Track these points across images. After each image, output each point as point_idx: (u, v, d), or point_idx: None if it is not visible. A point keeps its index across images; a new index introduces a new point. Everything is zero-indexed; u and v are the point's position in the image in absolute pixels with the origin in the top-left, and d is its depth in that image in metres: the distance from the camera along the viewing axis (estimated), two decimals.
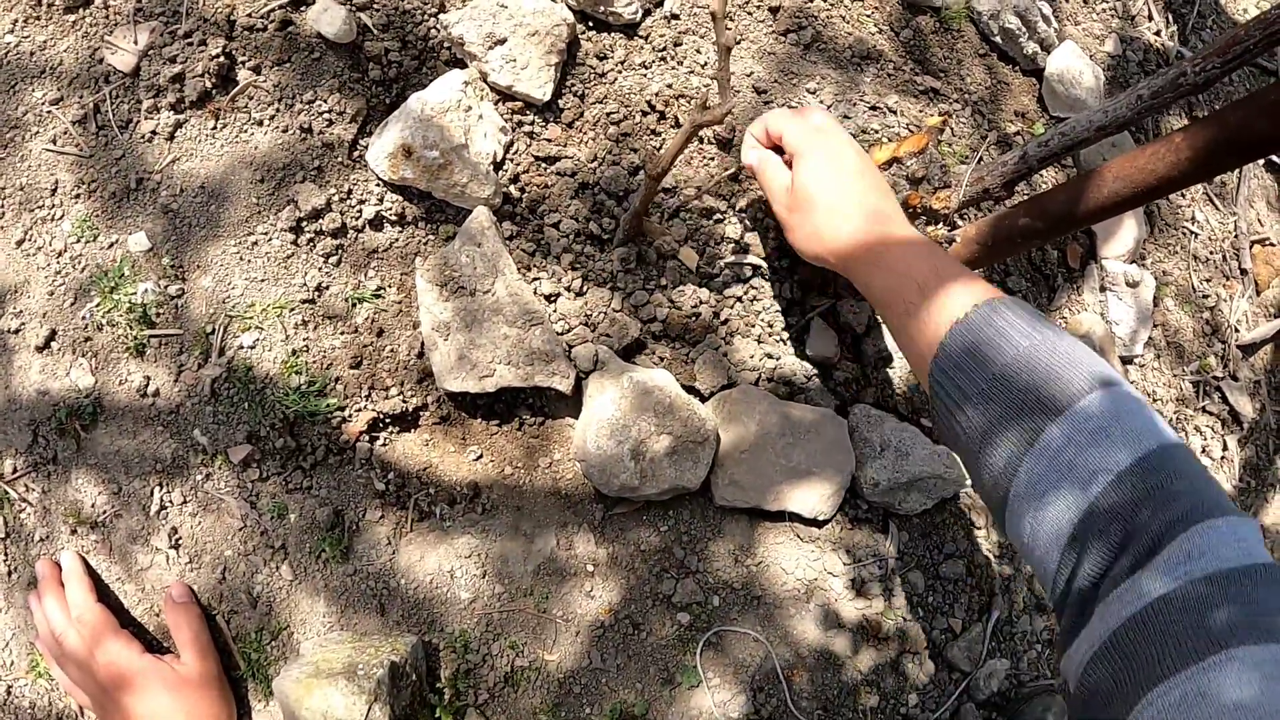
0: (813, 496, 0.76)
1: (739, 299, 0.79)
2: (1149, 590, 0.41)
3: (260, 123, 0.77)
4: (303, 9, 0.78)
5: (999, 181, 0.79)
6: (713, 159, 0.81)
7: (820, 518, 0.77)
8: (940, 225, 0.81)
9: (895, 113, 0.86)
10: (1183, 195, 1.01)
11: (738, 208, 0.80)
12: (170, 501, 0.75)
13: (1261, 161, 1.08)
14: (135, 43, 0.81)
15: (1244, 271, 1.02)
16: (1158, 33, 1.01)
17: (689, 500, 0.76)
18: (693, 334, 0.78)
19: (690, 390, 0.77)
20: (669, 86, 0.82)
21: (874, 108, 0.85)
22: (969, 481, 0.82)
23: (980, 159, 0.83)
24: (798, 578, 0.78)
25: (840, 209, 0.65)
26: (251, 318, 0.74)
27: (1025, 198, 0.78)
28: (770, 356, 0.79)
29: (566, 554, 0.74)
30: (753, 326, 0.79)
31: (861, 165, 0.67)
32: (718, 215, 0.80)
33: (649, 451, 0.71)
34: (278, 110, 0.77)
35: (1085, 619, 0.45)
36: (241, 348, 0.74)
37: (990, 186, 0.79)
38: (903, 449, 0.79)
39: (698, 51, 0.84)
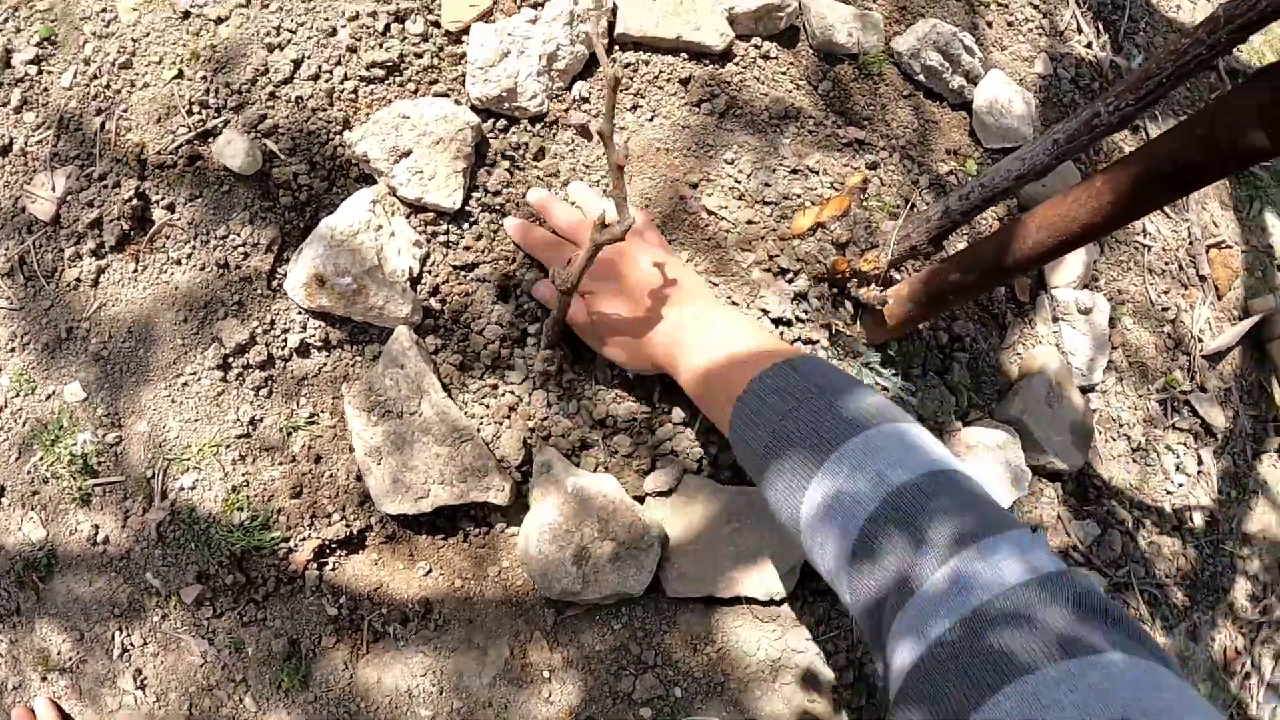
0: (766, 578, 0.76)
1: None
2: (934, 630, 0.42)
3: (179, 261, 0.77)
4: (210, 141, 0.79)
5: (925, 238, 0.77)
6: None
7: (778, 597, 0.77)
8: (873, 285, 0.80)
9: (818, 172, 0.85)
10: None
11: None
12: (132, 644, 0.76)
13: None
14: (53, 189, 0.82)
15: (1202, 278, 0.99)
16: (1089, 45, 0.98)
17: (641, 595, 0.76)
18: (639, 425, 0.78)
19: (639, 495, 0.76)
20: (577, 173, 0.81)
21: (795, 170, 0.84)
22: None
23: (910, 211, 0.81)
24: (760, 659, 0.77)
25: (637, 327, 0.70)
26: (189, 459, 0.75)
27: (956, 252, 0.76)
28: (712, 442, 0.78)
29: (521, 662, 0.74)
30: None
31: (639, 283, 0.69)
32: None
33: (591, 557, 0.71)
34: (194, 248, 0.77)
35: (879, 638, 0.48)
36: (182, 489, 0.75)
37: (917, 243, 0.78)
38: None
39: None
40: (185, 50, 0.82)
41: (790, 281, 0.80)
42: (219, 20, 0.83)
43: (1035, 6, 0.98)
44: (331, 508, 0.75)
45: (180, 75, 0.82)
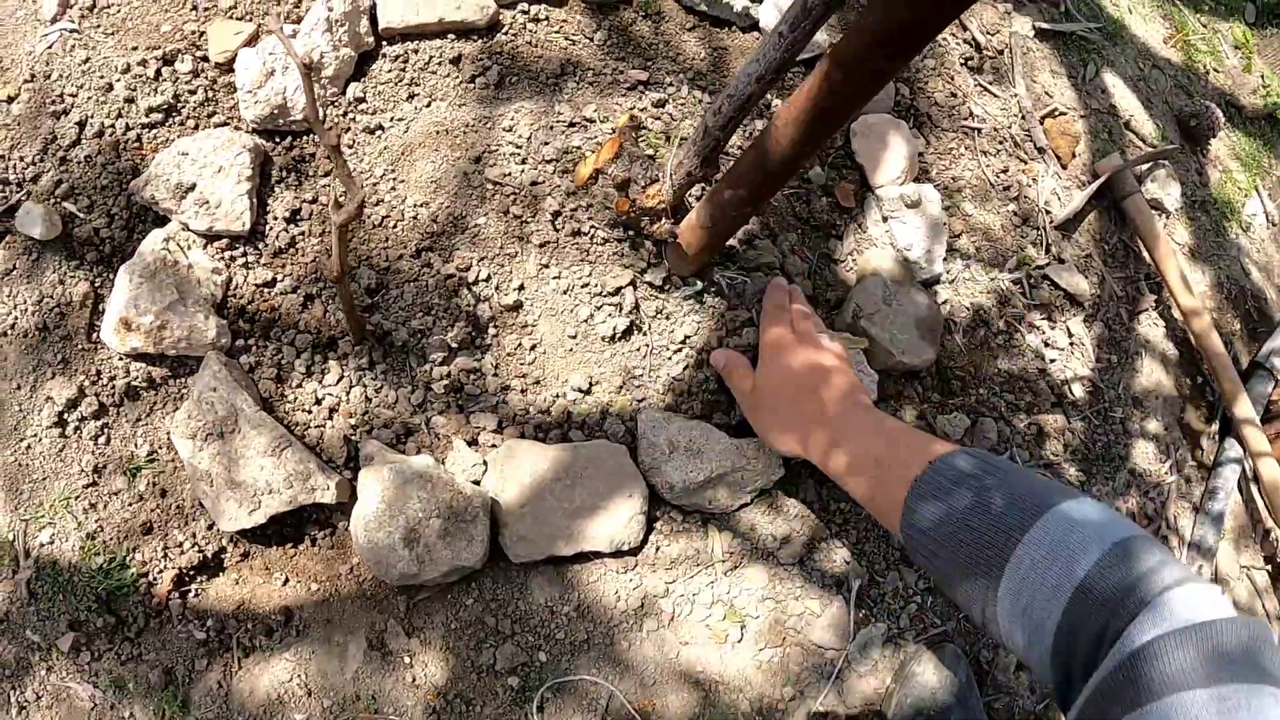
0: (607, 527, 0.76)
1: (488, 355, 0.79)
2: (1124, 649, 0.44)
3: (4, 333, 0.81)
4: (14, 216, 0.82)
5: (696, 162, 0.77)
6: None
7: (626, 546, 0.77)
8: (663, 220, 0.79)
9: (597, 120, 0.85)
10: (952, 93, 0.96)
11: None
12: (26, 700, 0.80)
13: (1030, 31, 1.01)
14: None
15: (1040, 150, 0.96)
16: None
17: (487, 567, 0.77)
18: (462, 398, 0.79)
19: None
20: (361, 172, 0.83)
21: (572, 124, 0.84)
22: (780, 470, 0.80)
23: (678, 143, 0.81)
24: (622, 609, 0.78)
25: (795, 412, 0.71)
26: (44, 515, 0.78)
27: (725, 170, 0.76)
28: (538, 409, 0.78)
29: (380, 651, 0.76)
30: (520, 378, 0.80)
31: (808, 373, 0.72)
32: (445, 288, 0.80)
33: (421, 536, 0.72)
34: (15, 317, 0.81)
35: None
36: (43, 545, 0.78)
37: (691, 169, 0.77)
38: (694, 448, 0.78)
39: (386, 126, 0.84)
40: None
41: (581, 234, 0.80)
42: (10, 100, 0.86)
43: None
44: (182, 536, 0.78)
45: None
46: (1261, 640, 0.42)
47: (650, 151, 0.82)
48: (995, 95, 0.97)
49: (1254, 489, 1.03)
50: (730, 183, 0.73)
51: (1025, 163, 0.96)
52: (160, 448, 0.80)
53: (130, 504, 0.78)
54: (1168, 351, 1.00)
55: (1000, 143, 0.96)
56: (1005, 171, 0.95)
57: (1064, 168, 0.97)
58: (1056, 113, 0.97)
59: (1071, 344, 0.92)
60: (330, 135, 0.62)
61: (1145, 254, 0.99)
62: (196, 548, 0.78)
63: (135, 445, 0.79)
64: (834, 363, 0.73)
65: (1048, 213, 0.94)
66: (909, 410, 0.87)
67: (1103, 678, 0.44)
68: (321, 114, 0.84)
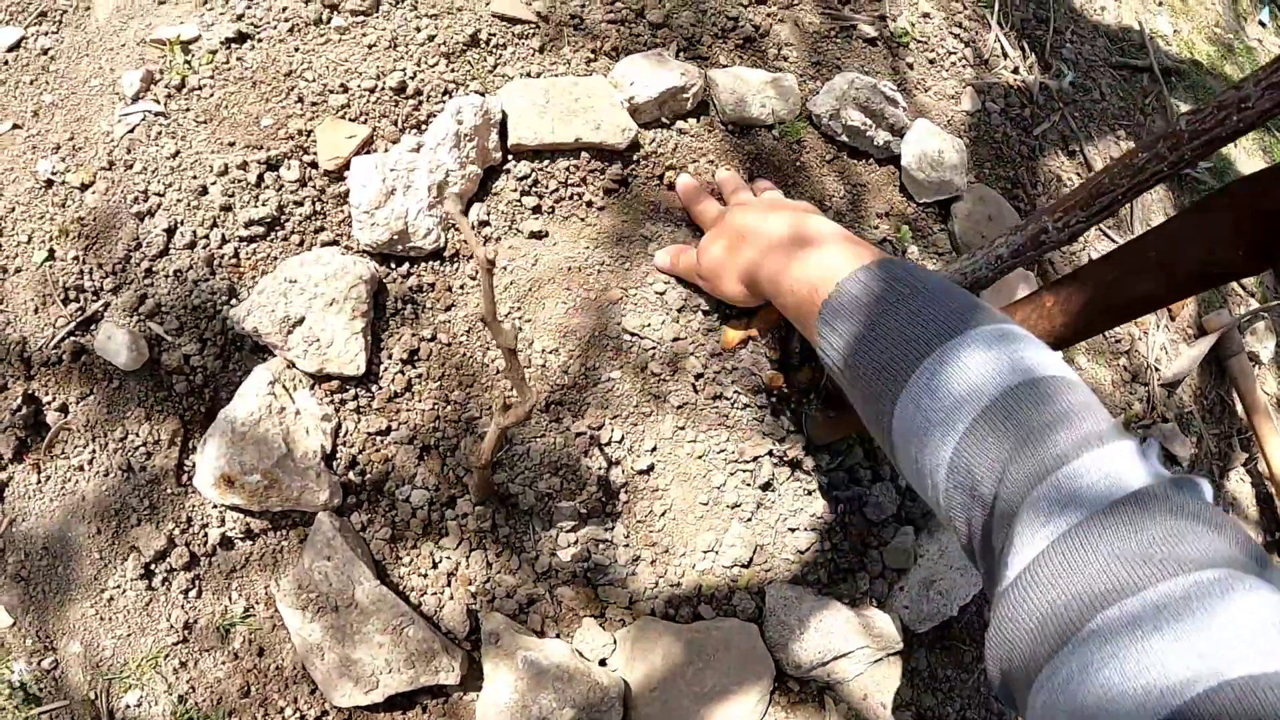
0: (735, 714, 0.74)
1: (620, 524, 0.75)
2: (1024, 554, 0.38)
3: (81, 468, 0.73)
4: (93, 329, 0.73)
5: None
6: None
7: None
8: (811, 396, 0.76)
9: None
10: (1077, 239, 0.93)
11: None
12: None
13: None
14: None
15: None
16: (1015, 70, 0.91)
17: None
18: (590, 568, 0.75)
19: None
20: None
21: None
22: (898, 643, 0.79)
23: None
24: None
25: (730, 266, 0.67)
26: (129, 675, 0.72)
27: None
28: (669, 582, 0.75)
29: None
30: (650, 547, 0.76)
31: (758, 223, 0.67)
32: (572, 450, 0.76)
33: None
34: (94, 452, 0.73)
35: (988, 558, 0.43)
36: (128, 707, 0.72)
37: None
38: (823, 628, 0.76)
39: (511, 259, 0.78)
40: (54, 226, 0.76)
41: (721, 399, 0.76)
42: (84, 187, 0.77)
43: (956, 36, 0.91)
44: (283, 701, 0.73)
45: (51, 255, 0.76)
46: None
47: None
48: (1113, 240, 0.95)
49: None
50: None
51: None
52: (257, 603, 0.74)
53: (225, 663, 0.73)
54: (1251, 510, 1.02)
55: None
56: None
57: (1173, 319, 0.96)
58: None
59: None
60: (509, 337, 0.57)
61: (1241, 412, 1.00)
62: (299, 714, 0.73)
63: (229, 600, 0.73)
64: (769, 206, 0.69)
65: (1157, 369, 0.93)
66: None
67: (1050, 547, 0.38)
68: (444, 240, 0.76)
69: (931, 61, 0.91)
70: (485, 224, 0.78)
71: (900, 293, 0.51)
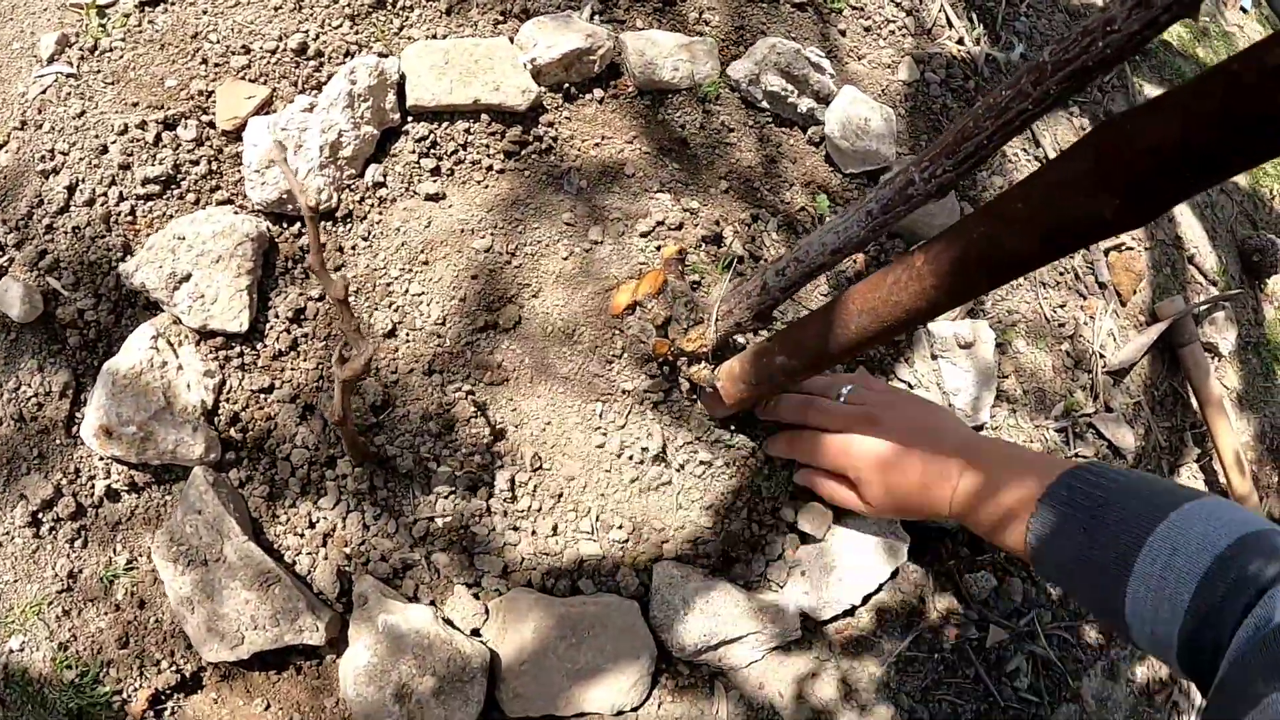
0: (611, 692, 0.71)
1: (506, 493, 0.74)
2: (1265, 620, 0.45)
3: None
4: None
5: (748, 315, 0.69)
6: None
7: (628, 708, 0.73)
8: (702, 364, 0.73)
9: (647, 233, 0.77)
10: None
11: None
12: None
13: None
14: None
15: (1102, 285, 0.88)
16: (960, 41, 0.86)
17: (480, 716, 0.73)
18: (466, 540, 0.73)
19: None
20: (376, 270, 0.76)
21: (619, 235, 0.76)
22: (797, 631, 0.75)
23: (732, 281, 0.74)
24: None
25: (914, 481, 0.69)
26: (13, 620, 0.74)
27: (779, 332, 0.69)
28: (547, 553, 0.73)
29: None
30: (528, 520, 0.74)
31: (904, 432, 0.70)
32: (454, 413, 0.74)
33: (413, 694, 0.68)
34: None
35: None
36: (12, 652, 0.73)
37: (741, 320, 0.70)
38: (710, 610, 0.73)
39: (405, 220, 0.77)
40: None
41: (612, 366, 0.74)
42: None
43: (897, 4, 0.87)
44: (160, 654, 0.73)
45: None
46: None
47: (695, 278, 0.75)
48: None
49: None
50: (784, 349, 0.67)
51: (1084, 298, 0.88)
52: (140, 556, 0.74)
53: (106, 614, 0.74)
54: None
55: (1061, 274, 0.88)
56: (1063, 307, 0.88)
57: (1123, 304, 0.90)
58: (1123, 247, 0.89)
59: None
60: (337, 287, 0.56)
61: (1195, 404, 0.92)
62: (174, 667, 0.73)
63: (114, 552, 0.74)
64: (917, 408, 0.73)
65: (1101, 356, 0.87)
66: (934, 567, 0.82)
67: (1242, 651, 0.45)
68: (336, 199, 0.76)
69: (867, 30, 0.87)
70: (381, 185, 0.78)
71: (1098, 498, 0.57)
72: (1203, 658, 0.49)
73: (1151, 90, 1.02)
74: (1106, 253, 0.89)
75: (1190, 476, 0.93)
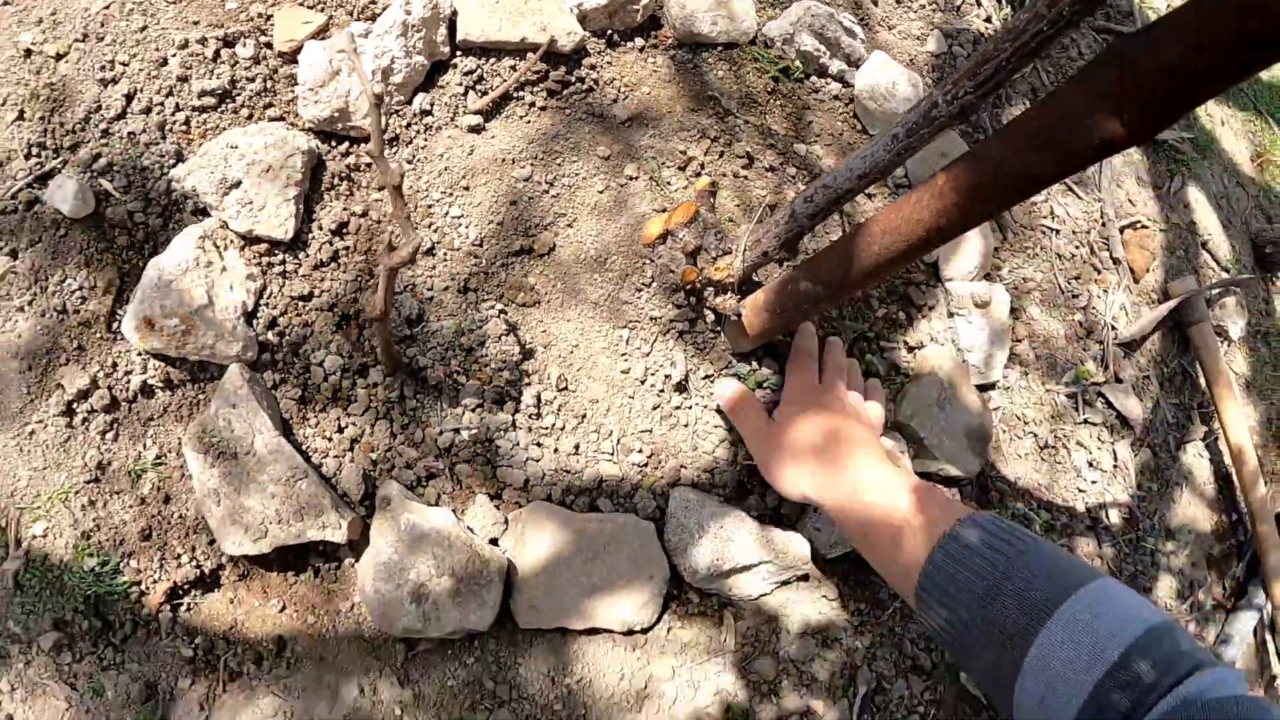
0: (623, 609, 0.73)
1: (532, 410, 0.76)
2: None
3: (21, 309, 0.76)
4: (48, 184, 0.78)
5: (775, 244, 0.73)
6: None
7: (638, 627, 0.74)
8: (729, 294, 0.75)
9: (682, 169, 0.80)
10: None
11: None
12: (1, 690, 0.77)
13: None
14: None
15: (1116, 261, 0.92)
16: (988, 19, 0.91)
17: (492, 628, 0.74)
18: (490, 452, 0.75)
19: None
20: (418, 192, 0.78)
21: (651, 175, 0.79)
22: (806, 564, 0.77)
23: (763, 214, 0.77)
24: (624, 689, 0.75)
25: (811, 457, 0.69)
26: (39, 507, 0.75)
27: (803, 260, 0.72)
28: (569, 470, 0.75)
29: (372, 700, 0.73)
30: (552, 436, 0.76)
31: (829, 421, 0.70)
32: (485, 330, 0.77)
33: (430, 594, 0.69)
34: (35, 294, 0.76)
35: None
36: (35, 538, 0.75)
37: (769, 249, 0.73)
38: (724, 535, 0.75)
39: (449, 148, 0.80)
40: (27, 90, 0.81)
41: (641, 294, 0.76)
42: (59, 57, 0.81)
43: None
44: (181, 549, 0.75)
45: (21, 116, 0.80)
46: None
47: (726, 217, 0.78)
48: (1079, 196, 0.93)
49: (1269, 637, 1.01)
50: (808, 275, 0.70)
51: (1099, 272, 0.92)
52: (169, 452, 0.76)
53: (131, 506, 0.75)
54: (1207, 487, 0.97)
55: (1076, 247, 0.92)
56: (1077, 278, 0.91)
57: (1136, 282, 0.93)
58: (1138, 225, 0.93)
59: (1115, 467, 0.89)
60: (394, 174, 0.58)
61: (1203, 383, 0.95)
62: (195, 563, 0.74)
63: (143, 446, 0.76)
64: (856, 415, 0.73)
65: (1113, 328, 0.90)
66: None
67: None
68: (385, 123, 0.79)
69: (898, 1, 0.91)
70: (428, 113, 0.81)
71: (1006, 554, 0.55)
72: None
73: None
74: (1122, 230, 0.93)
75: (1196, 454, 0.96)
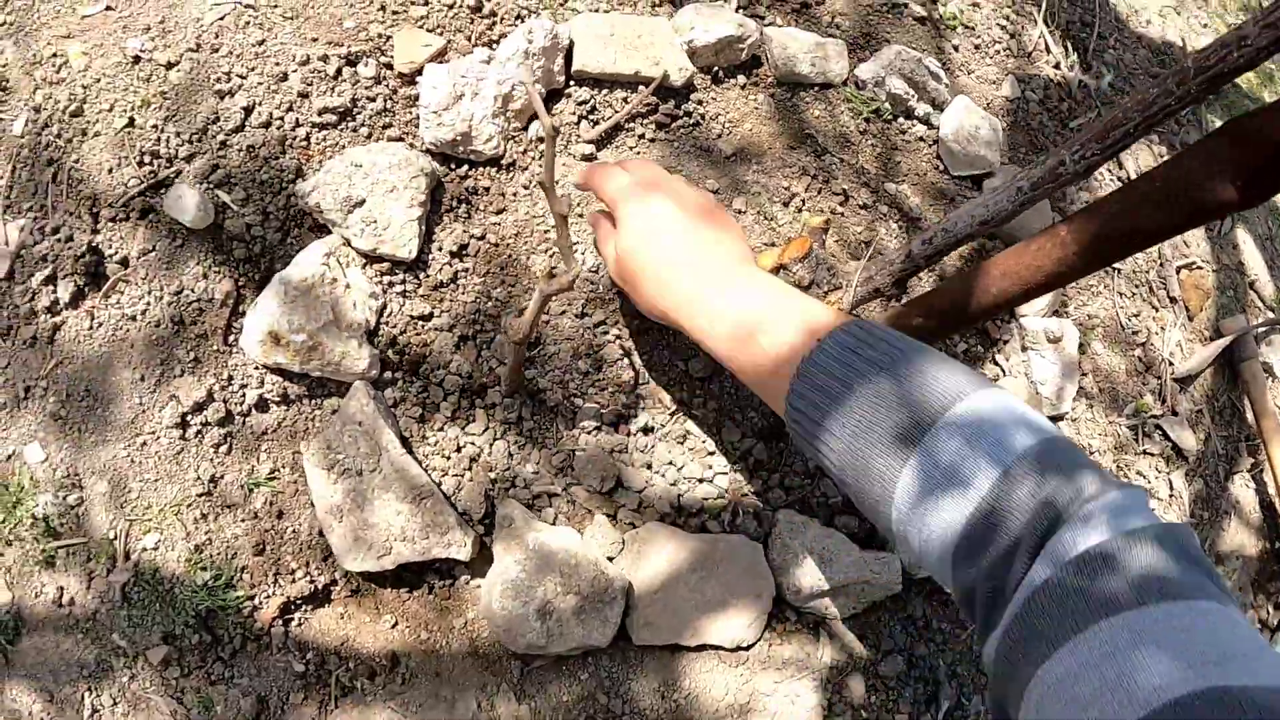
0: (732, 626, 0.76)
1: (642, 432, 0.78)
2: (1037, 578, 0.42)
3: (134, 317, 0.76)
4: (162, 192, 0.78)
5: (888, 280, 0.76)
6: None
7: (745, 644, 0.77)
8: None
9: (785, 205, 0.84)
10: None
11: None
12: (101, 705, 0.76)
13: None
14: (6, 243, 0.81)
15: (1173, 299, 0.98)
16: (1056, 65, 0.97)
17: (611, 642, 0.76)
18: (606, 473, 0.77)
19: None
20: (535, 217, 0.80)
21: (758, 209, 0.83)
22: (898, 585, 0.81)
23: (872, 252, 0.81)
24: (729, 703, 0.77)
25: (666, 272, 0.62)
26: (150, 519, 0.75)
27: (919, 296, 0.75)
28: (680, 493, 0.77)
29: (489, 715, 0.74)
30: (661, 459, 0.78)
31: (681, 217, 0.63)
32: (602, 354, 0.79)
33: (555, 611, 0.71)
34: (149, 303, 0.76)
35: (994, 619, 0.45)
36: (145, 550, 0.74)
37: (880, 285, 0.77)
38: (826, 556, 0.78)
39: (563, 176, 0.82)
40: (136, 98, 0.81)
41: None
42: (169, 65, 0.81)
43: (1002, 27, 0.97)
44: (295, 564, 0.75)
45: (131, 124, 0.80)
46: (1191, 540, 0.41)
47: (830, 255, 0.82)
48: None
49: None
50: (921, 311, 0.73)
51: (1156, 310, 0.98)
52: (283, 467, 0.76)
53: (244, 521, 0.75)
54: (1254, 515, 1.03)
55: (1137, 286, 0.98)
56: (1137, 315, 0.97)
57: (1190, 319, 0.99)
58: (1193, 265, 0.99)
59: (1171, 496, 0.95)
60: (562, 204, 0.60)
61: (1251, 417, 1.02)
62: (309, 578, 0.75)
63: (258, 461, 0.76)
64: (702, 201, 0.65)
65: (1170, 363, 0.96)
66: None
67: (1028, 599, 0.41)
68: (503, 148, 0.81)
69: (976, 47, 0.96)
70: (541, 140, 0.83)
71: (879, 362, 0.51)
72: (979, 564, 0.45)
73: (1218, 121, 1.14)
74: (1178, 271, 0.99)
75: (1244, 484, 1.02)
